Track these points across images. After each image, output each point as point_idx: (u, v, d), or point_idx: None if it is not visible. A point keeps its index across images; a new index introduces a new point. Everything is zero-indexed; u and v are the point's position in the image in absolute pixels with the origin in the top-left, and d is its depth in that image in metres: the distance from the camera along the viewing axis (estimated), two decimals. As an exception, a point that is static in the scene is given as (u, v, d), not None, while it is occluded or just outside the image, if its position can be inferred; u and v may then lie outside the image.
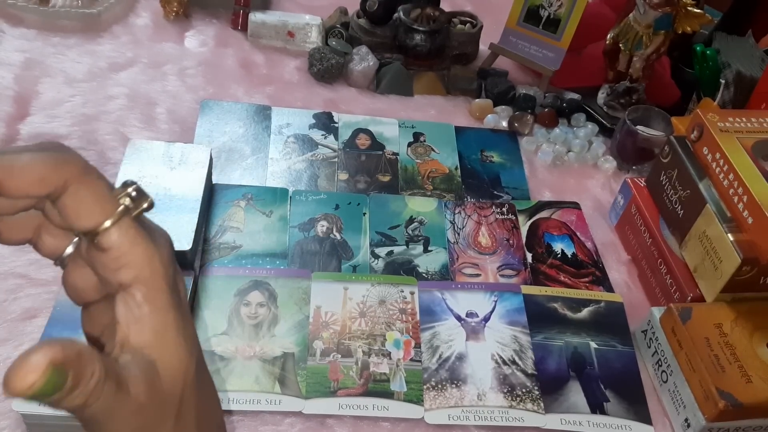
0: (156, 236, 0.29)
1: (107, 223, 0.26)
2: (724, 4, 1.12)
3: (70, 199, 0.25)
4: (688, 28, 0.94)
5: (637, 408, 0.66)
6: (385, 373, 0.65)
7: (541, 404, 0.65)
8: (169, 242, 0.30)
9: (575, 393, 0.66)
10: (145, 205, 0.27)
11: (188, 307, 0.30)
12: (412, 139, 0.91)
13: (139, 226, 0.27)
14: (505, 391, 0.65)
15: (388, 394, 0.64)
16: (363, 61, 0.98)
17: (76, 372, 0.23)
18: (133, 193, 0.27)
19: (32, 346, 0.23)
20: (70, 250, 0.29)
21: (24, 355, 0.22)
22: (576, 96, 1.02)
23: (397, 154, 0.89)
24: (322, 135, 0.89)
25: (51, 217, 0.28)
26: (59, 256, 0.29)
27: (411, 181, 0.86)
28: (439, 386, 0.65)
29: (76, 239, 0.29)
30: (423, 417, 0.63)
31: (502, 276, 0.76)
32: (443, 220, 0.81)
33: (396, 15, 1.00)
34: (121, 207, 0.26)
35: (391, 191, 0.84)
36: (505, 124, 0.98)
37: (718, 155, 0.71)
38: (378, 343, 0.67)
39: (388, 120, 0.93)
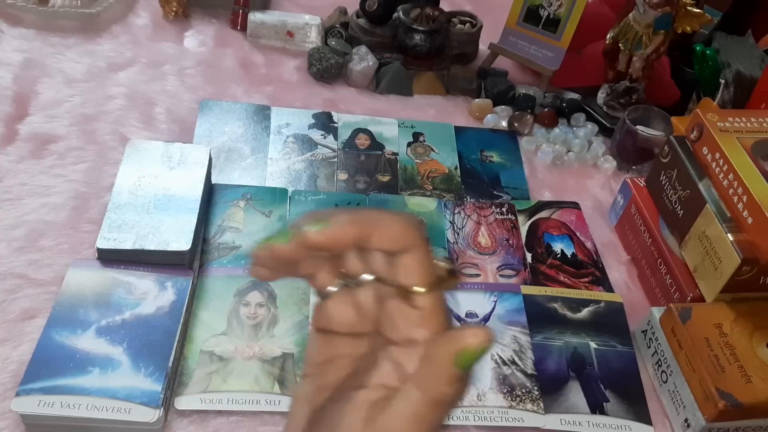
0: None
1: (423, 288, 0.29)
2: (724, 4, 1.12)
3: (408, 259, 0.29)
4: (688, 28, 0.94)
5: (637, 408, 0.66)
6: (384, 374, 0.65)
7: (541, 404, 0.65)
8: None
9: (575, 393, 0.66)
10: (455, 282, 0.31)
11: None
12: (411, 139, 0.91)
13: (444, 299, 0.30)
14: (505, 391, 0.65)
15: (388, 395, 0.64)
16: (362, 60, 0.98)
17: None
18: (448, 268, 0.30)
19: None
20: (334, 288, 0.32)
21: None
22: (576, 96, 1.02)
23: (396, 154, 0.89)
24: (322, 135, 0.89)
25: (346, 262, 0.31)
26: (325, 290, 0.32)
27: (410, 181, 0.86)
28: (439, 386, 0.65)
29: (341, 281, 0.32)
30: (422, 417, 0.63)
31: (502, 276, 0.76)
32: (443, 220, 0.81)
33: (395, 15, 1.00)
34: (437, 277, 0.29)
35: (391, 191, 0.84)
36: (504, 124, 0.98)
37: (717, 155, 0.70)
38: (377, 344, 0.67)
39: (388, 120, 0.93)
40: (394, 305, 0.30)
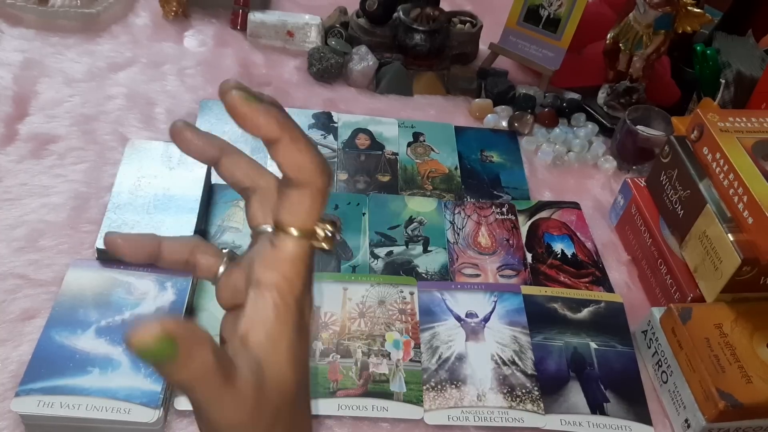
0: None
1: (295, 233, 0.29)
2: (724, 4, 1.12)
3: (297, 194, 0.29)
4: (688, 28, 0.94)
5: (637, 408, 0.66)
6: (384, 374, 0.65)
7: (541, 405, 0.65)
8: (312, 271, 0.32)
9: (575, 393, 0.66)
10: (325, 246, 0.30)
11: (310, 337, 0.33)
12: (411, 139, 0.91)
13: (311, 254, 0.30)
14: (505, 391, 0.65)
15: (388, 395, 0.64)
16: (362, 60, 0.98)
17: (185, 348, 0.25)
18: (329, 227, 0.30)
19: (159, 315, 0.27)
20: (222, 269, 0.33)
21: (146, 319, 0.25)
22: (576, 96, 1.02)
23: (396, 154, 0.89)
24: (322, 135, 0.89)
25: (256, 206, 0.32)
26: (214, 275, 0.33)
27: (410, 181, 0.86)
28: (439, 387, 0.65)
29: (225, 259, 0.33)
30: (422, 418, 0.63)
31: (502, 276, 0.76)
32: (443, 220, 0.81)
33: (395, 15, 1.00)
34: (312, 230, 0.29)
35: (391, 191, 0.84)
36: (505, 123, 0.97)
37: (718, 155, 0.70)
38: (377, 344, 0.67)
39: (388, 120, 0.93)
40: (255, 249, 0.30)
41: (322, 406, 0.62)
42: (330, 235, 0.30)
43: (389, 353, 0.67)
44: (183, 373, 0.26)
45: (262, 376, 0.29)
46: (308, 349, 0.32)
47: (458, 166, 0.89)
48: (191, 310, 0.67)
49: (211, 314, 0.67)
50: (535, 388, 0.66)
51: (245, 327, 0.29)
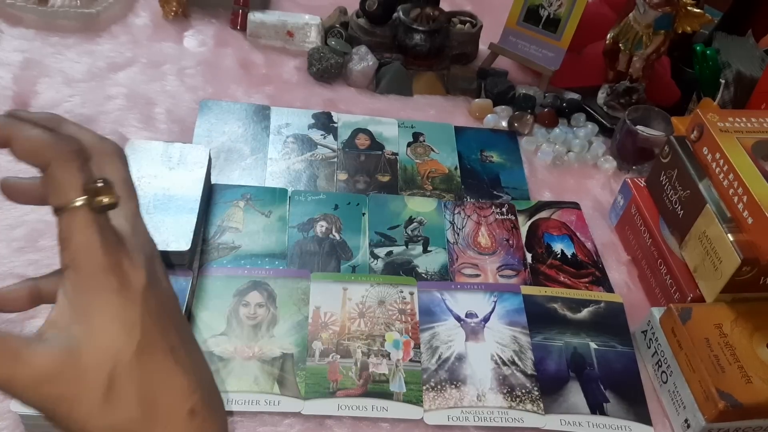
0: (132, 234, 0.33)
1: (57, 210, 0.30)
2: (724, 4, 1.12)
3: (48, 177, 0.30)
4: (688, 28, 0.94)
5: (637, 408, 0.66)
6: (384, 374, 0.65)
7: (541, 405, 0.65)
8: (150, 245, 0.34)
9: (575, 394, 0.66)
10: (105, 200, 0.30)
11: (155, 300, 0.33)
12: (411, 139, 0.91)
13: (95, 218, 0.30)
14: (505, 391, 0.65)
15: (388, 395, 0.64)
16: (362, 60, 0.98)
17: None
18: (99, 185, 0.30)
19: None
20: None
21: None
22: (576, 96, 1.02)
23: (396, 154, 0.89)
24: (322, 135, 0.89)
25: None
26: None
27: (410, 181, 0.86)
28: (439, 387, 0.65)
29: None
30: (422, 418, 0.63)
31: (502, 276, 0.76)
32: (443, 220, 0.81)
33: (395, 15, 1.00)
34: (79, 200, 0.30)
35: (391, 191, 0.84)
36: (504, 124, 0.97)
37: (718, 155, 0.70)
38: (377, 344, 0.67)
39: (388, 120, 0.93)
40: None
41: (322, 406, 0.62)
42: (102, 189, 0.30)
43: (389, 353, 0.67)
44: None
45: (75, 348, 0.30)
46: (153, 311, 0.32)
47: (458, 166, 0.89)
48: (190, 311, 0.67)
49: (211, 314, 0.67)
50: (535, 389, 0.66)
51: (54, 312, 0.31)
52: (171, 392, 0.33)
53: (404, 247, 0.77)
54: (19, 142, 0.30)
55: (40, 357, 0.30)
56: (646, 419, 0.65)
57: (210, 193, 0.78)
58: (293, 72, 1.00)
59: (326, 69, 0.97)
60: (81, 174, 0.30)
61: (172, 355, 0.33)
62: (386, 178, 0.86)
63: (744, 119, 0.73)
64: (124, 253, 0.32)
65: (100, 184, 0.30)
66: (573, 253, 0.80)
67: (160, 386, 0.32)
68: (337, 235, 0.77)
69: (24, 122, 0.30)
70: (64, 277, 0.31)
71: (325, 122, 0.91)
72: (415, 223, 0.80)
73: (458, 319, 0.70)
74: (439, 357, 0.67)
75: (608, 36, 0.98)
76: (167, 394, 0.33)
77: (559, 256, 0.79)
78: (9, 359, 0.29)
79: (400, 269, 0.75)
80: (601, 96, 1.01)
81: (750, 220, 0.66)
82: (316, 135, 0.89)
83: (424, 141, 0.91)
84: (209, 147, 0.78)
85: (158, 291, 0.33)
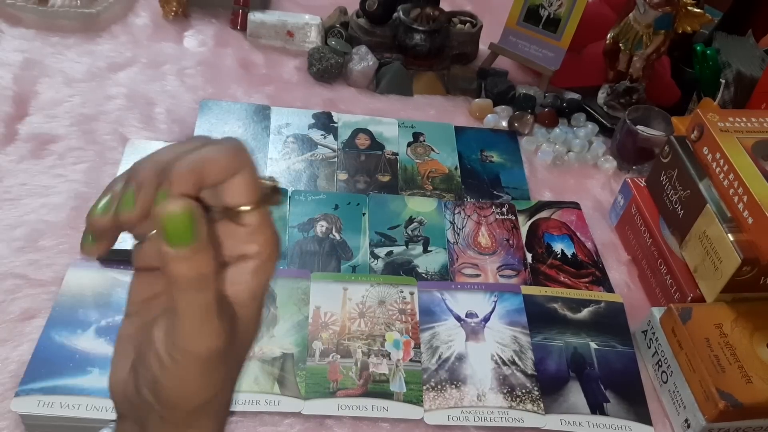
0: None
1: (250, 206, 0.30)
2: (724, 4, 1.12)
3: (234, 181, 0.29)
4: (688, 28, 0.94)
5: (637, 408, 0.66)
6: (384, 374, 0.65)
7: (541, 405, 0.65)
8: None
9: (575, 393, 0.66)
10: (279, 198, 0.31)
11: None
12: (411, 139, 0.91)
13: (270, 214, 0.31)
14: (505, 391, 0.65)
15: (388, 395, 0.64)
16: (362, 60, 0.98)
17: (199, 234, 0.27)
18: (272, 185, 0.31)
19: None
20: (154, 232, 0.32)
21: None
22: (576, 96, 1.02)
23: (396, 154, 0.89)
24: (322, 135, 0.89)
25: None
26: (143, 235, 0.32)
27: (411, 181, 0.86)
28: (439, 387, 0.65)
29: None
30: (422, 418, 0.63)
31: (502, 276, 0.76)
32: (443, 220, 0.81)
33: (395, 15, 1.00)
34: (263, 195, 0.30)
35: (391, 191, 0.84)
36: (505, 124, 0.97)
37: (718, 155, 0.70)
38: (377, 344, 0.67)
39: (388, 120, 0.93)
40: (220, 228, 0.30)
41: (322, 406, 0.62)
42: (273, 189, 0.31)
43: (389, 353, 0.67)
44: (192, 264, 0.27)
45: (235, 326, 0.30)
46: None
47: (458, 166, 0.89)
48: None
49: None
50: (535, 388, 0.66)
51: (226, 286, 0.30)
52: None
53: (404, 247, 0.77)
54: (210, 171, 0.29)
55: (224, 319, 0.30)
56: (646, 419, 0.65)
57: (210, 193, 0.77)
58: (293, 72, 1.00)
59: (326, 69, 0.97)
60: (257, 171, 0.31)
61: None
62: (386, 178, 0.86)
63: (744, 119, 0.73)
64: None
65: (272, 184, 0.31)
66: (573, 253, 0.80)
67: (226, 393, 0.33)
68: (337, 235, 0.77)
69: (183, 155, 0.29)
70: (242, 263, 0.31)
71: (325, 122, 0.91)
72: (415, 223, 0.80)
73: (458, 319, 0.70)
74: (440, 357, 0.67)
75: (608, 36, 0.98)
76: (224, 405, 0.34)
77: (559, 256, 0.79)
78: (214, 302, 0.29)
79: (401, 269, 0.75)
80: (602, 96, 1.01)
81: (750, 220, 0.66)
82: (317, 135, 0.89)
83: (424, 141, 0.91)
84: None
85: None
